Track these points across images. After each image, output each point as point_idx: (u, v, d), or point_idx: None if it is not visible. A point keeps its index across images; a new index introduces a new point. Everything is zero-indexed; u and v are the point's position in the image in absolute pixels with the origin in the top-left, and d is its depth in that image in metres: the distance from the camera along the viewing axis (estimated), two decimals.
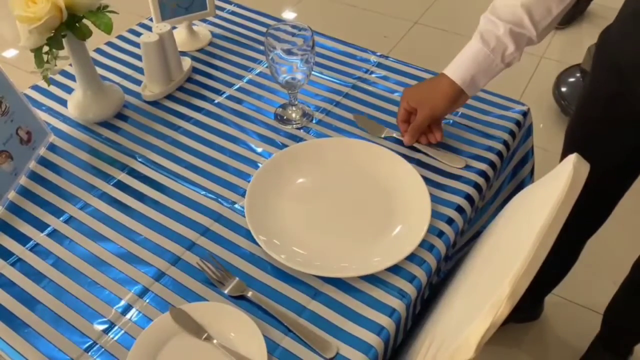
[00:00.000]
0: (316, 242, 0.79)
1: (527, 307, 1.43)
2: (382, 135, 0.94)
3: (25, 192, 0.88)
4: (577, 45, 2.34)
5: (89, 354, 0.69)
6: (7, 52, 2.48)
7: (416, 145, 0.92)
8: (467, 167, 0.89)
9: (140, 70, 1.09)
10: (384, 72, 1.08)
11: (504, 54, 0.85)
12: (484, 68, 0.85)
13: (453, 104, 0.88)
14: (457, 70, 0.86)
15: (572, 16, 2.49)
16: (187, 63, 1.09)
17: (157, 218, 0.83)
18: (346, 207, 0.85)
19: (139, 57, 1.11)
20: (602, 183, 0.94)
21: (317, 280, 0.75)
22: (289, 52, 0.88)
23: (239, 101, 1.03)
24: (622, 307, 1.22)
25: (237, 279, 0.75)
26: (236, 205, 0.85)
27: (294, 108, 0.99)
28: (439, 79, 0.88)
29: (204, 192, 0.87)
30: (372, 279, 0.75)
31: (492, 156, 0.91)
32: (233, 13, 1.25)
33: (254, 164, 0.91)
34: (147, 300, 0.74)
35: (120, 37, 1.19)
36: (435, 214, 0.82)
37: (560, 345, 1.45)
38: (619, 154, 0.97)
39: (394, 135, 0.94)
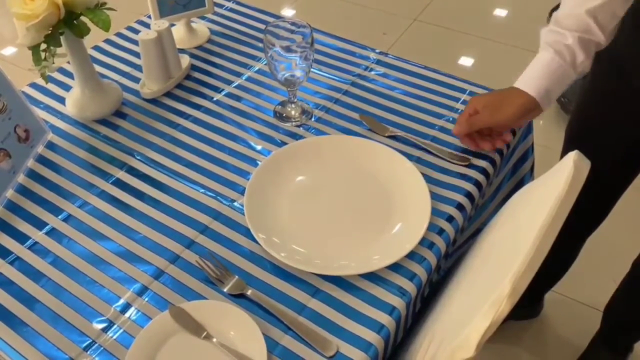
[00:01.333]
0: (316, 240, 0.79)
1: (527, 305, 1.43)
2: (387, 134, 0.94)
3: (23, 191, 0.88)
4: None
5: (88, 352, 0.68)
6: (6, 50, 2.48)
7: (417, 141, 0.92)
8: (468, 165, 0.89)
9: (138, 67, 1.09)
10: (383, 69, 1.08)
11: (575, 62, 0.82)
12: (558, 78, 0.82)
13: (521, 116, 0.84)
14: (529, 82, 0.83)
15: None
16: (185, 60, 1.08)
17: (156, 216, 0.83)
18: (346, 205, 0.85)
19: (137, 55, 1.11)
20: (602, 180, 0.93)
21: (317, 278, 0.75)
22: (288, 50, 0.88)
23: (237, 99, 1.03)
24: (622, 304, 1.22)
25: (236, 277, 0.75)
26: (235, 203, 0.85)
27: (293, 105, 0.99)
28: (510, 90, 0.85)
29: (203, 190, 0.87)
30: (372, 277, 0.75)
31: (492, 154, 0.91)
32: (232, 10, 1.25)
33: (253, 162, 0.91)
34: (146, 299, 0.73)
35: (119, 35, 1.19)
36: (435, 212, 0.82)
37: (560, 342, 1.45)
38: (619, 150, 0.97)
39: (398, 133, 0.93)
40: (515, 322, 1.41)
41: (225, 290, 0.73)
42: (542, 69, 0.82)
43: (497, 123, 0.85)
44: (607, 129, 0.95)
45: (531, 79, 0.83)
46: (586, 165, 0.62)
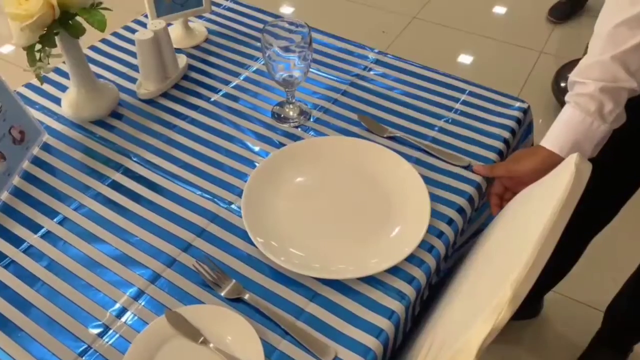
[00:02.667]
0: (314, 243, 0.78)
1: (527, 305, 1.43)
2: (385, 135, 0.93)
3: (18, 193, 0.87)
4: (576, 40, 2.33)
5: (84, 358, 0.68)
6: (4, 48, 2.46)
7: (417, 143, 0.91)
8: (469, 167, 0.88)
9: (135, 67, 1.08)
10: (382, 69, 1.07)
11: (603, 112, 0.76)
12: (584, 132, 0.77)
13: (541, 170, 0.76)
14: (552, 139, 0.79)
15: (571, 11, 2.47)
16: (182, 60, 1.07)
17: (152, 219, 0.82)
18: (344, 208, 0.84)
19: (133, 55, 1.10)
20: (611, 182, 0.92)
21: (315, 282, 0.74)
22: (286, 49, 0.87)
23: (235, 99, 1.02)
24: (626, 304, 1.22)
25: (234, 281, 0.74)
26: (233, 206, 0.84)
27: (291, 106, 0.98)
28: (536, 147, 0.82)
29: (200, 192, 0.86)
30: (371, 280, 0.74)
31: (493, 155, 0.90)
32: (229, 9, 1.23)
33: (250, 163, 0.90)
34: (143, 303, 0.73)
35: (115, 34, 1.17)
36: (435, 214, 0.81)
37: (560, 342, 1.44)
38: (629, 151, 0.95)
39: (397, 134, 0.92)
40: (514, 322, 1.41)
41: (222, 294, 0.73)
42: (563, 124, 0.79)
43: (514, 173, 0.82)
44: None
45: (554, 136, 0.79)
46: (587, 167, 0.61)
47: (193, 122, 0.97)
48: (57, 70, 1.07)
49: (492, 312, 0.54)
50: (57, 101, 1.01)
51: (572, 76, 0.79)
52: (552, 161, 0.76)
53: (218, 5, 1.24)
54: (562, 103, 2.01)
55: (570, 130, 0.78)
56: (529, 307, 1.45)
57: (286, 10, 2.66)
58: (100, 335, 0.70)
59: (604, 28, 0.74)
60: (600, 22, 0.75)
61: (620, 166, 0.98)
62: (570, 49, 2.26)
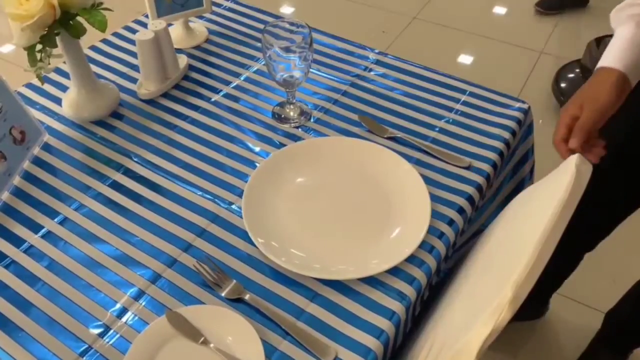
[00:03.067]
0: (314, 244, 0.78)
1: (530, 306, 1.41)
2: (385, 136, 0.93)
3: (19, 193, 0.87)
4: (576, 41, 2.33)
5: (84, 358, 0.68)
6: (4, 48, 2.46)
7: (417, 143, 0.91)
8: (469, 167, 0.88)
9: (135, 68, 1.08)
10: (382, 70, 1.07)
11: None
12: None
13: (620, 94, 0.75)
14: (614, 58, 0.76)
15: (572, 10, 2.47)
16: (183, 60, 1.07)
17: (153, 219, 0.82)
18: (345, 208, 0.84)
19: (134, 55, 1.10)
20: (617, 192, 0.91)
21: (316, 282, 0.74)
22: (286, 50, 0.87)
23: (236, 99, 1.02)
24: (629, 311, 1.21)
25: (234, 281, 0.74)
26: (233, 206, 0.84)
27: (291, 106, 0.98)
28: (596, 74, 0.77)
29: (200, 193, 0.86)
30: (371, 281, 0.74)
31: (494, 156, 0.90)
32: (230, 10, 1.23)
33: (251, 164, 0.90)
34: (143, 304, 0.73)
35: (115, 35, 1.17)
36: (436, 215, 0.81)
37: (560, 342, 1.44)
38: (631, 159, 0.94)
39: (398, 135, 0.92)
40: (517, 323, 1.40)
41: (223, 294, 0.73)
42: (625, 42, 0.75)
43: (606, 111, 0.75)
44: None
45: (616, 56, 0.76)
46: (588, 168, 0.61)
47: (194, 122, 0.98)
48: (58, 71, 1.07)
49: (493, 313, 0.54)
50: (58, 101, 1.01)
51: (624, 5, 0.77)
52: (621, 80, 0.75)
53: (218, 5, 1.24)
54: (562, 103, 2.02)
55: (631, 47, 0.75)
56: (534, 308, 1.44)
57: (286, 10, 2.66)
58: (101, 335, 0.70)
59: None
60: None
61: (625, 171, 0.97)
62: (570, 50, 2.26)
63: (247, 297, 0.72)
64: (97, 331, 0.70)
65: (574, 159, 0.63)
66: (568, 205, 0.57)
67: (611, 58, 0.76)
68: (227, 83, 1.05)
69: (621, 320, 1.25)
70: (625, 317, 1.23)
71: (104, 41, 1.16)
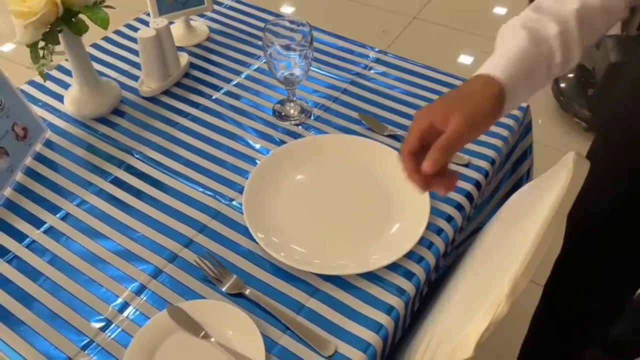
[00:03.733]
0: (315, 239, 0.79)
1: None
2: (385, 133, 0.94)
3: (21, 189, 0.87)
4: None
5: (86, 352, 0.68)
6: (5, 47, 2.47)
7: None
8: (468, 165, 0.89)
9: (137, 65, 1.09)
10: (382, 68, 1.08)
11: (551, 59, 0.64)
12: (530, 72, 0.63)
13: (496, 108, 0.61)
14: (499, 66, 0.62)
15: None
16: (184, 58, 1.08)
17: (154, 215, 0.83)
18: (345, 205, 0.84)
19: (136, 53, 1.10)
20: None
21: (316, 278, 0.75)
22: (287, 48, 0.88)
23: (236, 97, 1.03)
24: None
25: (235, 276, 0.74)
26: (234, 202, 0.84)
27: (292, 104, 0.99)
28: (471, 80, 0.63)
29: (201, 189, 0.86)
30: (371, 276, 0.75)
31: (492, 154, 0.91)
32: (231, 8, 1.24)
33: (251, 161, 0.91)
34: (144, 298, 0.73)
35: (117, 32, 1.18)
36: (435, 211, 0.82)
37: None
38: None
39: (398, 132, 0.93)
40: None
41: (223, 289, 0.73)
42: (516, 54, 0.62)
43: (479, 121, 0.60)
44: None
45: (501, 64, 0.62)
46: (585, 165, 0.61)
47: (195, 119, 0.98)
48: (60, 68, 1.08)
49: (491, 307, 0.54)
50: (60, 98, 1.01)
51: (529, 11, 0.66)
52: (498, 92, 0.60)
53: (220, 4, 1.25)
54: (561, 103, 2.04)
55: (520, 64, 0.62)
56: None
57: (287, 9, 2.66)
58: (103, 329, 0.70)
59: None
60: None
61: None
62: None
63: (247, 292, 0.73)
64: (98, 325, 0.71)
65: (571, 156, 0.64)
66: (565, 202, 0.58)
67: (496, 67, 0.62)
68: (228, 81, 1.06)
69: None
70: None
71: (106, 39, 1.16)
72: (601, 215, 0.88)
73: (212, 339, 0.68)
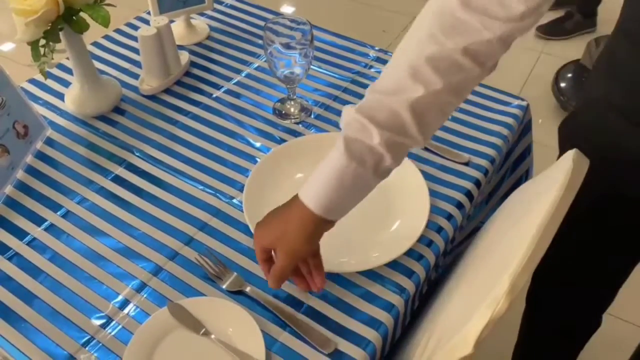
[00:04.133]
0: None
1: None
2: None
3: (22, 187, 0.88)
4: (577, 41, 2.34)
5: (87, 348, 0.68)
6: (4, 46, 2.47)
7: None
8: (468, 163, 0.89)
9: (138, 64, 1.09)
10: (383, 67, 1.07)
11: (379, 167, 0.62)
12: (351, 187, 0.63)
13: (314, 238, 0.66)
14: (314, 195, 0.63)
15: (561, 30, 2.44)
16: (185, 57, 1.08)
17: (155, 213, 0.83)
18: None
19: (136, 51, 1.10)
20: None
21: None
22: (287, 46, 0.88)
23: (237, 95, 1.03)
24: None
25: (235, 274, 0.75)
26: (234, 200, 0.85)
27: (292, 102, 0.99)
28: (292, 204, 0.66)
29: (202, 187, 0.87)
30: (371, 274, 0.75)
31: (492, 152, 0.91)
32: (231, 7, 1.24)
33: (252, 159, 0.91)
34: (145, 295, 0.73)
35: (118, 31, 1.18)
36: (434, 210, 0.82)
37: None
38: None
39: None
40: None
41: (224, 287, 0.73)
42: (331, 177, 0.62)
43: (300, 257, 0.67)
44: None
45: (317, 192, 0.63)
46: (585, 163, 0.62)
47: (195, 118, 0.98)
48: (61, 66, 1.08)
49: (490, 304, 0.55)
50: (61, 97, 1.02)
51: (355, 112, 0.62)
52: (315, 222, 0.64)
53: (220, 2, 1.25)
54: (562, 103, 2.04)
55: (337, 185, 0.63)
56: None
57: (287, 9, 2.67)
58: (103, 326, 0.70)
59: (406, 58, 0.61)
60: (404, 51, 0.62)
61: None
62: (570, 49, 2.27)
63: (247, 289, 0.73)
64: (99, 322, 0.71)
65: (571, 153, 0.64)
66: (565, 199, 0.58)
67: (309, 194, 0.64)
68: (229, 79, 1.06)
69: None
70: None
71: (107, 37, 1.17)
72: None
73: (213, 336, 0.68)
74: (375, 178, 0.64)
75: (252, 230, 0.78)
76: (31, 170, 0.90)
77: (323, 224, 0.65)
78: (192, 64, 1.10)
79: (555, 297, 1.01)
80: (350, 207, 0.66)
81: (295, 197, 0.66)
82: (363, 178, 0.63)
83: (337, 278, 0.74)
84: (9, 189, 0.87)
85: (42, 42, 0.85)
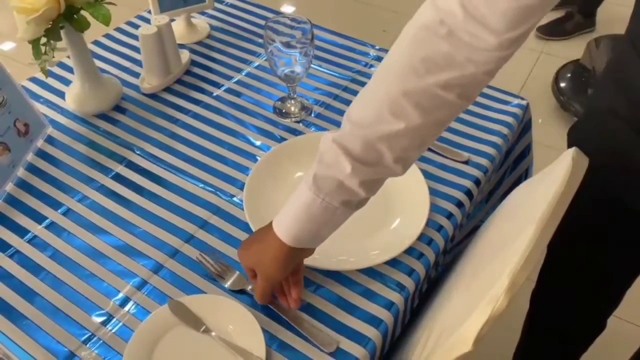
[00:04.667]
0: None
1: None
2: None
3: (22, 185, 0.88)
4: (577, 41, 2.34)
5: (87, 345, 0.69)
6: (4, 45, 2.47)
7: None
8: (468, 162, 0.89)
9: (138, 62, 1.09)
10: None
11: (350, 202, 0.62)
12: (321, 220, 0.63)
13: (288, 266, 0.66)
14: (285, 227, 0.64)
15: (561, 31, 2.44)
16: (185, 56, 1.08)
17: (155, 211, 0.83)
18: None
19: (137, 50, 1.11)
20: None
21: (316, 273, 0.75)
22: (288, 45, 0.88)
23: (237, 94, 1.03)
24: None
25: (237, 273, 0.75)
26: (235, 199, 0.85)
27: (292, 101, 0.99)
28: (269, 231, 0.66)
29: (202, 185, 0.87)
30: (371, 272, 0.75)
31: (492, 151, 0.91)
32: (232, 6, 1.25)
33: (252, 157, 0.91)
34: (145, 293, 0.74)
35: (119, 30, 1.18)
36: (434, 208, 0.82)
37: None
38: None
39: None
40: None
41: (226, 285, 0.74)
42: (301, 211, 0.62)
43: (275, 283, 0.69)
44: None
45: (289, 226, 0.63)
46: (584, 161, 0.62)
47: (195, 116, 0.99)
48: (61, 65, 1.08)
49: (489, 301, 0.55)
50: (62, 95, 1.02)
51: (329, 140, 0.60)
52: (288, 253, 0.65)
53: (221, 1, 1.25)
54: (561, 103, 2.04)
55: (307, 218, 0.63)
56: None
57: (288, 8, 2.67)
58: (104, 323, 0.71)
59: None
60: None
61: None
62: (570, 49, 2.27)
63: (249, 288, 0.73)
64: (100, 319, 0.71)
65: (570, 152, 0.64)
66: (564, 197, 0.58)
67: (281, 226, 0.64)
68: (229, 78, 1.06)
69: None
70: None
71: (107, 36, 1.17)
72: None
73: (213, 334, 0.69)
74: (347, 211, 0.63)
75: (253, 229, 0.78)
76: (32, 168, 0.90)
77: (298, 252, 0.66)
78: (193, 62, 1.10)
79: (560, 300, 1.01)
80: (323, 238, 0.66)
81: (270, 230, 0.66)
82: (333, 212, 0.62)
83: (337, 276, 0.75)
84: (9, 187, 0.87)
85: (43, 40, 0.85)
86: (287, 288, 0.71)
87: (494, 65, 0.57)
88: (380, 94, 0.58)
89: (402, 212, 0.82)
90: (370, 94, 0.61)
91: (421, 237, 0.78)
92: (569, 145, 0.84)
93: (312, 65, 1.04)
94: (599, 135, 0.79)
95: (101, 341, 0.69)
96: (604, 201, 0.78)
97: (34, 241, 0.80)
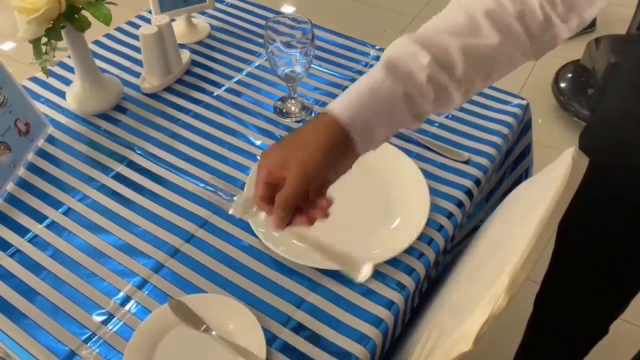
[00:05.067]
0: (315, 234, 0.79)
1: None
2: None
3: (23, 184, 0.88)
4: (577, 41, 2.34)
5: (88, 345, 0.69)
6: (5, 45, 2.47)
7: (417, 138, 0.92)
8: (468, 162, 0.89)
9: (139, 62, 1.09)
10: None
11: (414, 99, 0.57)
12: (383, 108, 0.57)
13: (334, 155, 0.57)
14: (342, 100, 0.57)
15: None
16: (186, 56, 1.08)
17: (155, 210, 0.83)
18: (345, 200, 0.84)
19: (137, 50, 1.11)
20: None
21: (316, 272, 0.75)
22: (288, 45, 0.88)
23: (238, 94, 1.03)
24: None
25: (246, 197, 0.66)
26: (235, 198, 0.85)
27: (293, 101, 0.99)
28: (316, 119, 0.58)
29: (202, 185, 0.87)
30: None
31: (492, 151, 0.91)
32: (232, 5, 1.25)
33: (252, 157, 0.91)
34: (146, 292, 0.74)
35: (119, 29, 1.19)
36: (434, 208, 0.82)
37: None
38: None
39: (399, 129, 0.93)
40: None
41: (230, 212, 0.66)
42: (366, 87, 0.57)
43: (311, 176, 0.57)
44: None
45: (349, 103, 0.57)
46: (584, 161, 0.62)
47: (196, 116, 0.99)
48: (62, 65, 1.08)
49: (490, 300, 0.55)
50: (62, 95, 1.02)
51: (406, 39, 0.58)
52: (339, 136, 0.57)
53: (221, 1, 1.25)
54: (562, 103, 2.04)
55: (371, 98, 0.57)
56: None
57: (288, 8, 2.67)
58: (105, 322, 0.71)
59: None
60: None
61: None
62: (570, 49, 2.27)
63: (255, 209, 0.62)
64: (100, 319, 0.71)
65: (570, 152, 0.64)
66: (564, 196, 0.58)
67: (343, 104, 0.57)
68: (229, 78, 1.06)
69: None
70: None
71: (108, 36, 1.17)
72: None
73: (213, 333, 0.69)
74: (404, 113, 0.58)
75: (253, 228, 0.78)
76: (32, 168, 0.90)
77: (343, 138, 0.56)
78: (193, 62, 1.10)
79: (563, 304, 1.01)
80: (372, 134, 0.58)
81: (322, 113, 0.58)
82: (394, 101, 0.57)
83: (337, 275, 0.75)
84: (10, 186, 0.87)
85: (44, 40, 0.85)
86: (314, 198, 0.59)
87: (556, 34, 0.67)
88: (460, 10, 0.59)
89: (402, 212, 0.82)
90: (450, 11, 0.61)
91: (421, 237, 0.78)
92: (581, 149, 0.84)
93: (312, 65, 1.04)
94: (614, 140, 0.79)
95: (102, 340, 0.69)
96: (614, 199, 0.78)
97: (35, 240, 0.80)
